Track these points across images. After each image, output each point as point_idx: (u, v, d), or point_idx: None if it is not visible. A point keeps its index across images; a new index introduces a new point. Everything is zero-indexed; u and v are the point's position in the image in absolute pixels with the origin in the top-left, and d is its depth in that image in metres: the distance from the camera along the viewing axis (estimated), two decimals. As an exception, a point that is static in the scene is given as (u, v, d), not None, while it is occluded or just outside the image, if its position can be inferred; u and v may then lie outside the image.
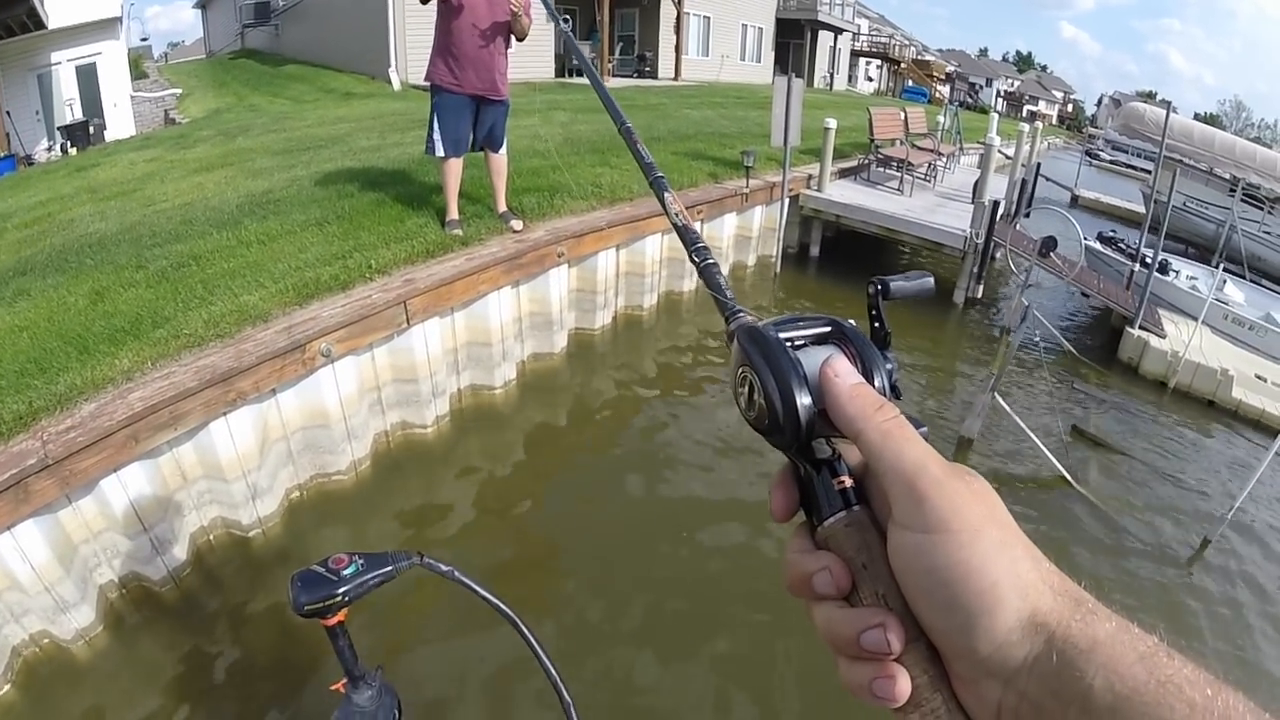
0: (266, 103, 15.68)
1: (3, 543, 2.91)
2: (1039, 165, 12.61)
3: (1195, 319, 7.63)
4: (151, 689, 3.08)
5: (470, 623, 3.29)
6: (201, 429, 3.57)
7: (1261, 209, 13.06)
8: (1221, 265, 9.71)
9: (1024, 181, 10.69)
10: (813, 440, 0.46)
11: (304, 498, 4.26)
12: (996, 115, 18.74)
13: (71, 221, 6.33)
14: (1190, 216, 13.68)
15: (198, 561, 3.70)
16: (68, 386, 3.31)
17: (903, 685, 0.40)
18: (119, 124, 15.25)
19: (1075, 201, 18.93)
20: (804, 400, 0.45)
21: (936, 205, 9.86)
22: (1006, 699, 0.38)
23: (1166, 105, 10.50)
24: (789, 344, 0.47)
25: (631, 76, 22.80)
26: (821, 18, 31.02)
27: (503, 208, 5.72)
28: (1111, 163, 31.27)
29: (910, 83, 43.02)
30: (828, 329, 0.49)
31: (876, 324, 0.51)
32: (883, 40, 44.66)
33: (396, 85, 16.49)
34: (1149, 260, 8.11)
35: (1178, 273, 9.53)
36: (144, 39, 27.26)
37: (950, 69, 52.12)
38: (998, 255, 8.39)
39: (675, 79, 22.93)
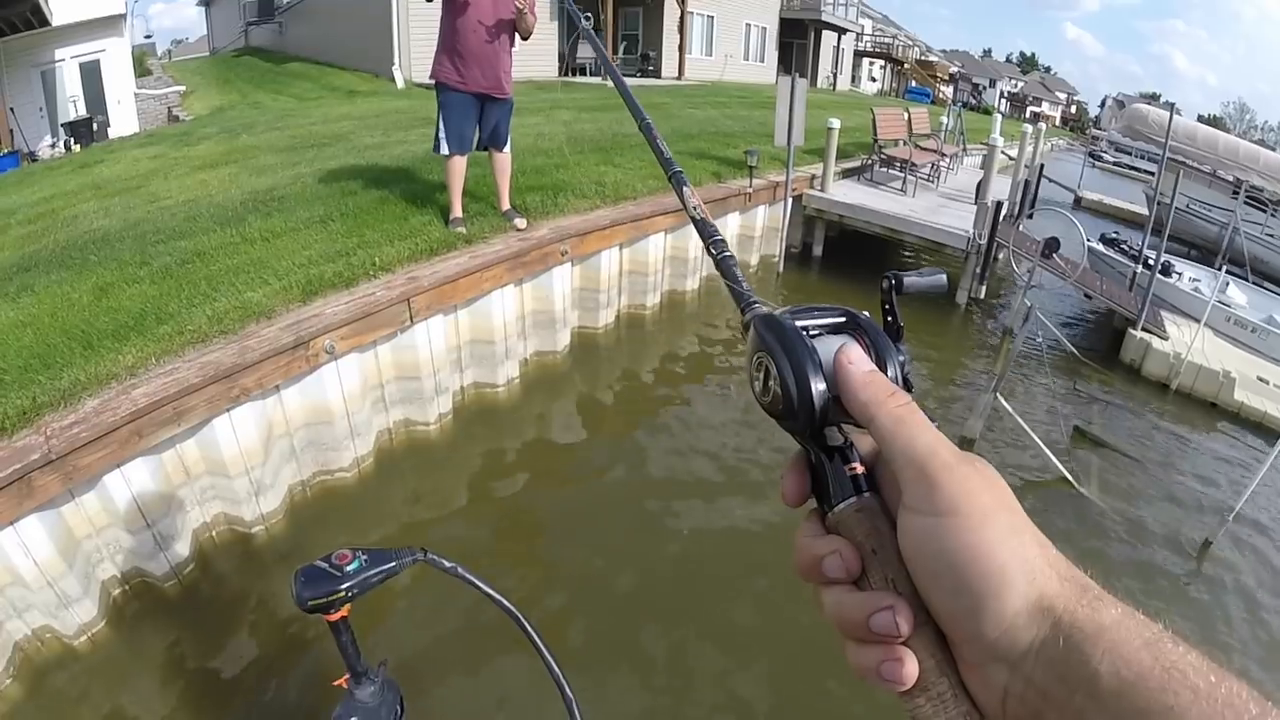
0: (270, 100, 15.69)
1: (6, 538, 2.91)
2: (1042, 166, 12.61)
3: (1198, 321, 7.63)
4: (153, 684, 3.08)
5: (473, 619, 3.29)
6: (205, 425, 3.58)
7: (1264, 211, 13.06)
8: (1224, 267, 9.69)
9: (1027, 183, 10.68)
10: (826, 427, 0.47)
11: (307, 494, 4.27)
12: (1000, 116, 18.76)
13: (75, 218, 6.34)
14: (1193, 219, 13.68)
15: (200, 557, 3.71)
16: (71, 382, 3.31)
17: (910, 668, 0.40)
18: (123, 121, 15.27)
19: (1078, 203, 18.89)
20: (819, 386, 0.46)
21: (939, 206, 9.85)
22: (1013, 684, 0.38)
23: (1170, 107, 10.50)
24: (805, 332, 0.48)
25: (635, 76, 22.82)
26: (825, 18, 30.99)
27: (506, 206, 5.73)
28: (1115, 164, 31.17)
29: (914, 83, 42.98)
30: (842, 319, 0.50)
31: (889, 317, 0.52)
32: (886, 40, 44.60)
33: (400, 83, 16.50)
34: (1152, 262, 8.10)
35: (1180, 275, 9.52)
36: (148, 36, 27.34)
37: (954, 70, 52.06)
38: (1000, 256, 8.39)
39: (679, 78, 22.94)
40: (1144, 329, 7.48)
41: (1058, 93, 74.87)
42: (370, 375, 4.53)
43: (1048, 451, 5.13)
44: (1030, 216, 9.86)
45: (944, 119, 14.97)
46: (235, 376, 3.57)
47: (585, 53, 21.17)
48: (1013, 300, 8.97)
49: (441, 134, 5.10)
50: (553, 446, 5.10)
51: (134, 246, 5.12)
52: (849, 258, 9.44)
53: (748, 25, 28.33)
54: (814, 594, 0.47)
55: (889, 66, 44.69)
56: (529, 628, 1.60)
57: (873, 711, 3.04)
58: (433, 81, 5.11)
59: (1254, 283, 10.26)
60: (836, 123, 9.09)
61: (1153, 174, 14.50)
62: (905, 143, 11.51)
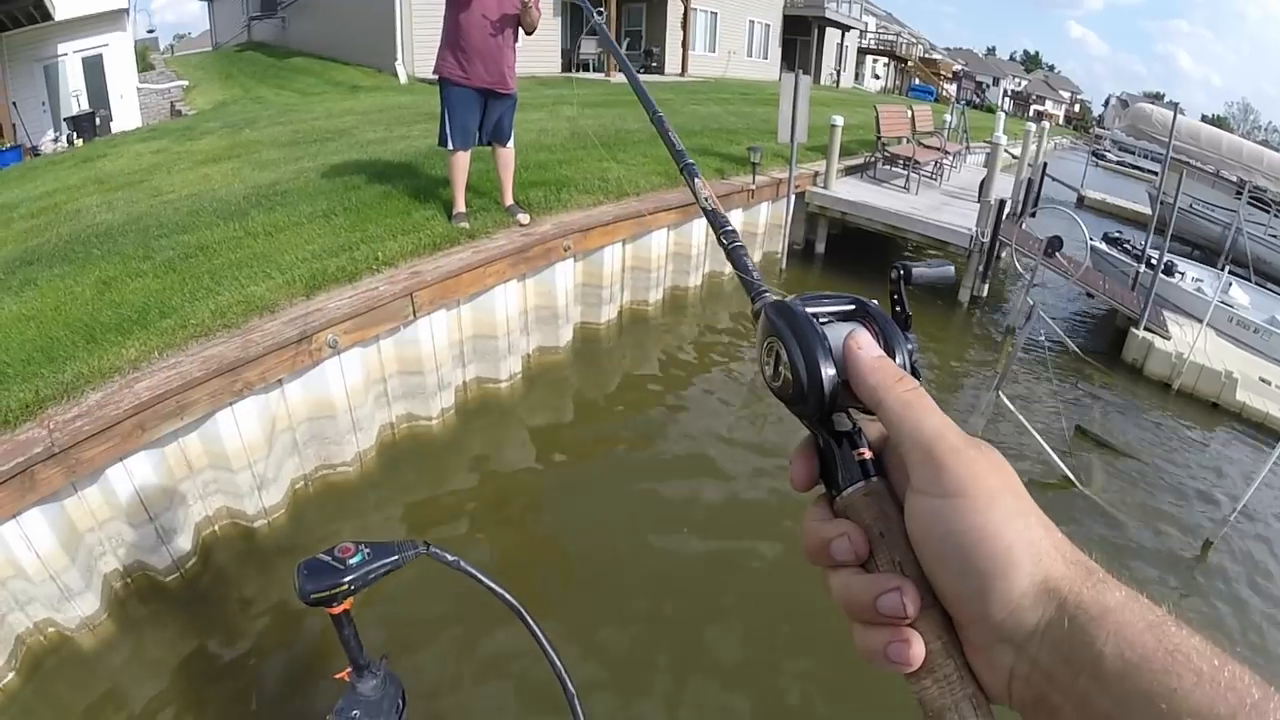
0: (273, 95, 15.68)
1: (8, 531, 2.92)
2: (1045, 165, 12.60)
3: (1200, 321, 7.63)
4: (155, 677, 3.09)
5: (475, 612, 3.30)
6: (208, 419, 3.58)
7: (1268, 212, 13.02)
8: (1227, 268, 9.69)
9: (1030, 181, 10.67)
10: (834, 412, 0.47)
11: (309, 488, 4.27)
12: (1003, 114, 18.70)
13: (78, 212, 6.34)
14: (1196, 218, 13.65)
15: (203, 551, 3.72)
16: (74, 375, 3.32)
17: (917, 649, 0.41)
18: (125, 115, 15.26)
19: (1081, 202, 18.89)
20: (828, 371, 0.46)
21: (942, 204, 9.85)
22: (1018, 665, 0.39)
23: (1174, 106, 10.49)
24: (815, 319, 0.48)
25: (638, 72, 22.47)
26: (829, 14, 30.93)
27: (509, 201, 5.72)
28: (1118, 163, 31.15)
29: (917, 81, 42.96)
30: (852, 307, 0.51)
31: (898, 307, 0.52)
32: (890, 38, 44.53)
33: (403, 78, 16.49)
34: (1154, 261, 8.10)
35: (1183, 274, 9.51)
36: (150, 31, 27.34)
37: (957, 67, 51.97)
38: (1003, 254, 8.40)
39: (682, 75, 22.90)
40: (1146, 329, 7.48)
41: (1061, 91, 74.76)
42: (373, 370, 4.53)
43: (1049, 450, 5.13)
44: (1033, 215, 9.85)
45: (947, 117, 14.98)
46: (238, 370, 3.57)
47: (588, 48, 21.17)
48: (1015, 299, 8.96)
49: (446, 129, 5.09)
50: (555, 441, 5.10)
51: (137, 240, 5.12)
52: (851, 255, 9.44)
53: (751, 22, 28.28)
54: (821, 577, 0.47)
55: (893, 64, 44.63)
56: (531, 621, 1.60)
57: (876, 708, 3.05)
58: (436, 77, 5.11)
59: (1256, 283, 10.24)
60: (840, 120, 9.07)
61: (1156, 174, 14.50)
62: (908, 140, 11.52)
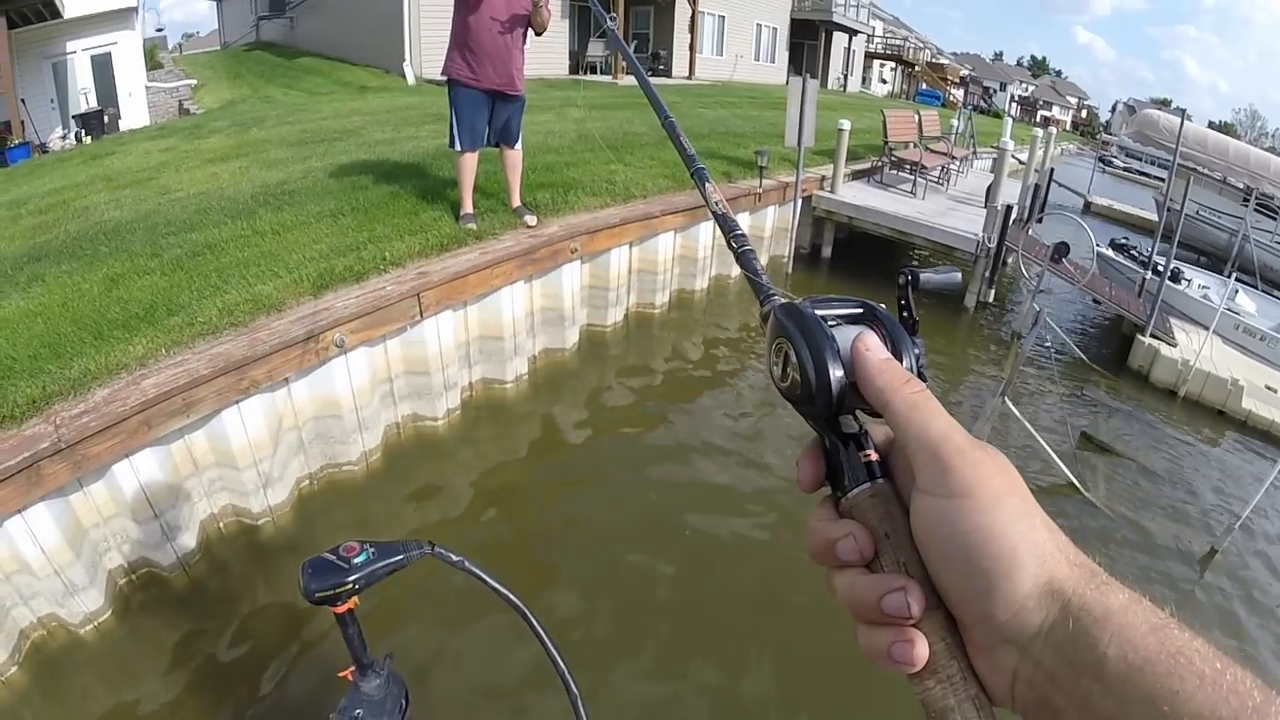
0: (281, 95, 15.71)
1: (13, 525, 2.93)
2: (1052, 171, 12.56)
3: (1206, 328, 7.59)
4: (159, 674, 3.09)
5: (480, 613, 3.30)
6: (214, 416, 3.59)
7: (1275, 219, 13.00)
8: (1234, 275, 9.66)
9: (1037, 187, 10.65)
10: (842, 414, 0.48)
11: (314, 487, 4.28)
12: (1010, 120, 18.66)
13: (86, 209, 6.36)
14: (1203, 225, 13.62)
15: (207, 548, 3.72)
16: (81, 371, 3.33)
17: (921, 649, 0.41)
18: (134, 113, 15.31)
19: (1088, 208, 18.81)
20: (836, 372, 0.47)
21: (949, 209, 9.84)
22: (1022, 667, 0.39)
23: (1181, 113, 10.46)
24: (824, 321, 0.49)
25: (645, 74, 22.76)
26: (836, 19, 30.95)
27: (517, 203, 5.73)
28: (1125, 170, 31.11)
29: (924, 85, 42.86)
30: (860, 310, 0.52)
31: (905, 312, 0.53)
32: (897, 42, 44.51)
33: (411, 79, 16.52)
34: (1161, 268, 8.07)
35: (1190, 281, 9.49)
36: (159, 29, 27.32)
37: (964, 72, 51.91)
38: (1009, 260, 8.38)
39: (689, 78, 22.92)
40: (1152, 335, 7.45)
41: (1068, 97, 74.65)
42: (379, 369, 4.54)
43: (1054, 456, 5.11)
44: (1040, 221, 9.83)
45: (954, 122, 14.95)
46: (245, 368, 3.58)
47: (596, 51, 21.19)
48: (1021, 305, 8.95)
49: (454, 130, 5.10)
50: (560, 443, 5.10)
51: (145, 238, 5.14)
52: (857, 259, 9.43)
53: (759, 25, 28.28)
54: (826, 578, 0.47)
55: (900, 69, 44.61)
56: (535, 622, 1.60)
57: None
58: (444, 78, 5.12)
59: (1263, 290, 10.20)
60: (847, 124, 9.06)
61: (1163, 180, 14.45)
62: (915, 145, 11.51)
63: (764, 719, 3.19)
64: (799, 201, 8.71)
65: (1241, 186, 12.76)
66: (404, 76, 16.64)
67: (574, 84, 17.53)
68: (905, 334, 0.51)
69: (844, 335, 0.49)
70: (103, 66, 15.02)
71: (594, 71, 20.98)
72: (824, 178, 9.44)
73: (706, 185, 0.72)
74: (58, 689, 3.01)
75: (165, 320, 3.82)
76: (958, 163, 11.88)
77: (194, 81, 17.93)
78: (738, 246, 0.63)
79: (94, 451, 3.08)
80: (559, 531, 4.30)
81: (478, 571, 1.63)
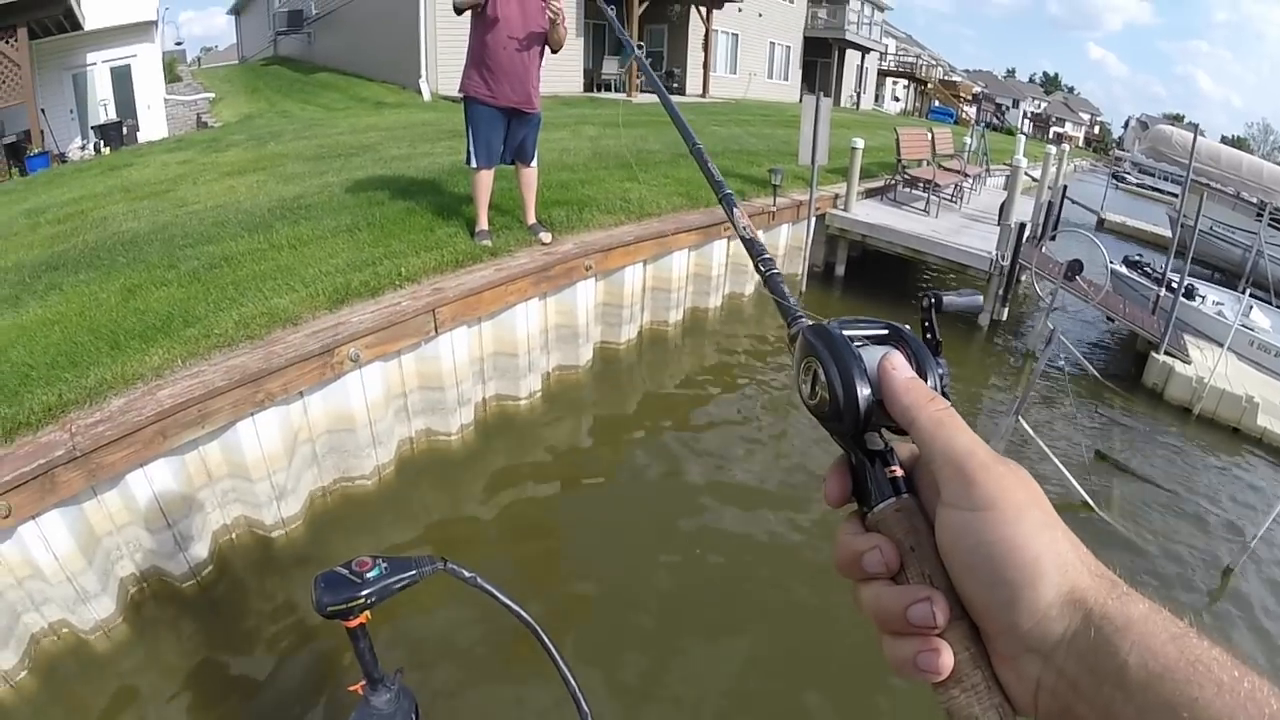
0: (298, 109, 15.88)
1: (27, 531, 2.95)
2: (1065, 188, 12.54)
3: (1221, 345, 7.53)
4: (168, 683, 3.10)
5: (491, 630, 3.29)
6: (229, 428, 3.61)
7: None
8: (1248, 291, 9.60)
9: (1050, 204, 10.62)
10: (868, 430, 0.49)
11: (327, 500, 4.29)
12: (1023, 137, 18.64)
13: (104, 219, 6.43)
14: (1217, 241, 13.54)
15: (219, 559, 3.73)
16: (98, 381, 3.36)
17: (946, 658, 0.42)
18: (152, 125, 15.51)
19: (1101, 225, 18.75)
20: (864, 390, 0.48)
21: (962, 227, 9.83)
22: (1045, 676, 0.40)
23: (1194, 128, 10.44)
24: (851, 341, 0.51)
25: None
26: (849, 37, 31.09)
27: (532, 220, 5.76)
28: (1138, 186, 31.02)
29: (937, 103, 42.93)
30: (886, 331, 0.54)
31: (929, 334, 0.55)
32: (910, 60, 44.61)
33: (427, 96, 16.67)
34: (1175, 285, 8.03)
35: (1204, 298, 9.42)
36: (178, 43, 27.67)
37: (977, 90, 51.96)
38: (1023, 278, 8.35)
39: (703, 96, 23.03)
40: (1167, 352, 7.40)
41: (1081, 113, 74.59)
42: (394, 384, 4.56)
43: (1069, 475, 5.08)
44: (1053, 238, 9.80)
45: (967, 139, 14.94)
46: (260, 381, 3.60)
47: (610, 69, 21.32)
48: (1035, 323, 8.91)
49: (471, 147, 5.13)
50: (573, 461, 5.09)
51: (162, 249, 5.19)
52: (871, 278, 9.42)
53: (772, 44, 28.43)
54: (852, 591, 0.49)
55: (912, 86, 44.69)
56: (547, 640, 1.59)
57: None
58: (461, 95, 5.15)
59: (1278, 306, 10.12)
60: (860, 142, 9.08)
61: (1176, 196, 14.40)
62: (928, 163, 11.51)
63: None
64: (813, 219, 8.70)
65: (1255, 201, 12.68)
66: (420, 93, 16.79)
67: (589, 102, 17.63)
68: (929, 354, 0.53)
69: (870, 355, 0.50)
70: (122, 78, 15.23)
71: (609, 89, 21.10)
72: (837, 196, 9.44)
73: (735, 211, 0.76)
74: (67, 695, 3.02)
75: (181, 331, 3.85)
76: (971, 180, 11.87)
77: (212, 95, 18.16)
78: (765, 270, 0.66)
79: (109, 460, 3.10)
80: (572, 548, 4.30)
81: (490, 588, 1.63)
